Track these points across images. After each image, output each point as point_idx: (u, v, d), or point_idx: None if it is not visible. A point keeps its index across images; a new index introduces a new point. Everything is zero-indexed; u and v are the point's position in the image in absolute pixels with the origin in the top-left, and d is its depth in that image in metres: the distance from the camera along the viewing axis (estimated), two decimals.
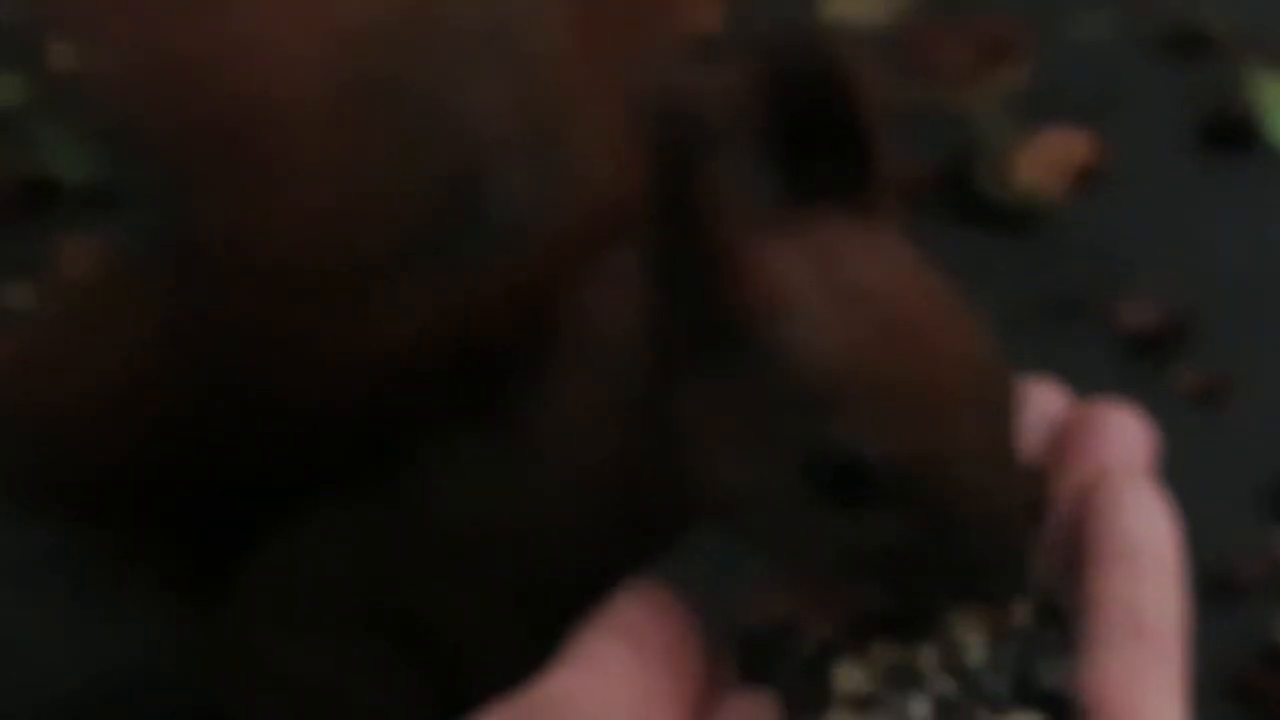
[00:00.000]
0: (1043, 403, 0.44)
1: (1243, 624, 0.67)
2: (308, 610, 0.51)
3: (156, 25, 0.47)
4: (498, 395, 0.45)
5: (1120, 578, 0.39)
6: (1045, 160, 0.88)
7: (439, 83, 0.44)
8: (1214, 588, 0.68)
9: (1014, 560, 0.38)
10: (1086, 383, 0.75)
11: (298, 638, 0.51)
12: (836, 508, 0.38)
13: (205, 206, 0.47)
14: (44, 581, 0.64)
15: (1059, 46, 0.97)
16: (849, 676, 0.38)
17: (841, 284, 0.38)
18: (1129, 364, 0.78)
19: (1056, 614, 0.39)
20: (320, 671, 0.50)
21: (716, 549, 0.42)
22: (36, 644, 0.66)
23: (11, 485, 0.57)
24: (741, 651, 0.40)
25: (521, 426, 0.45)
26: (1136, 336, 0.79)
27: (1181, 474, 0.72)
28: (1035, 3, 1.01)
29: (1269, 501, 0.71)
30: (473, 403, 0.46)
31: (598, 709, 0.38)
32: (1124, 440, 0.43)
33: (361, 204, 0.45)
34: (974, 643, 0.38)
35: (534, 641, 0.41)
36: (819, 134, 0.40)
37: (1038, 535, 0.39)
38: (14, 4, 0.90)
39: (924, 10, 1.01)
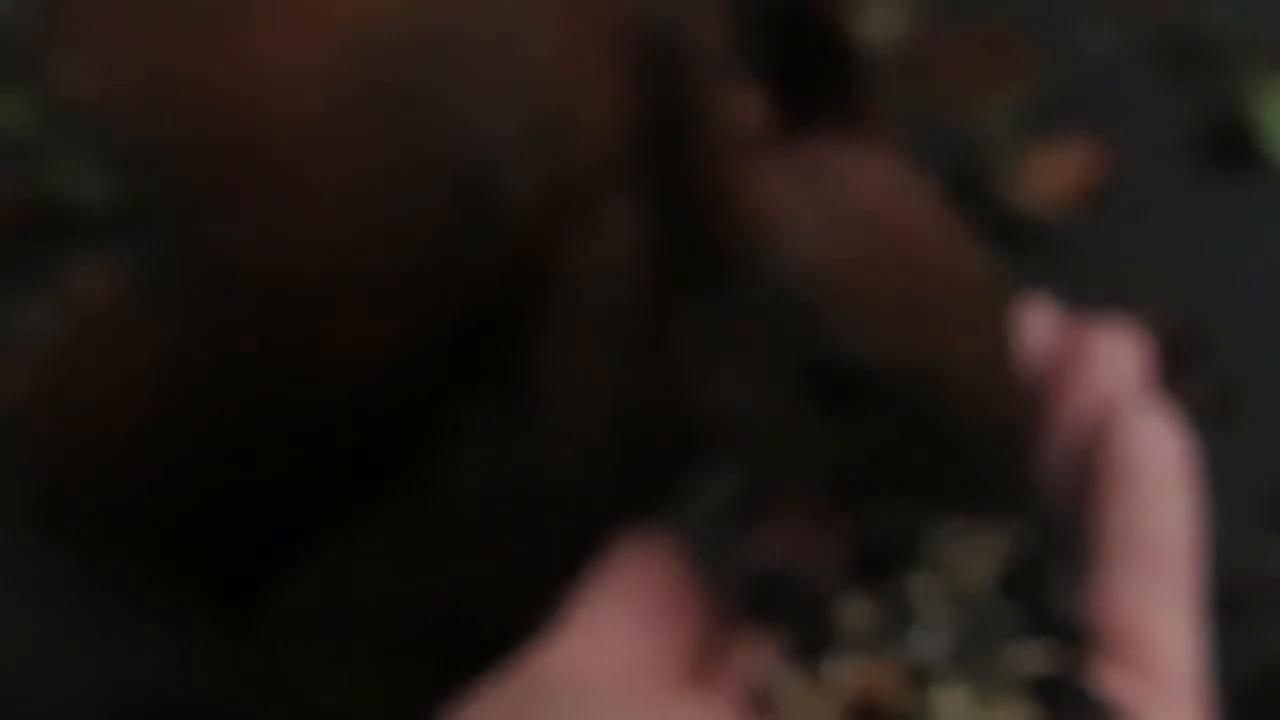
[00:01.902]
0: (1036, 326, 0.44)
1: (1252, 635, 0.67)
2: (345, 639, 0.51)
3: (164, 45, 0.47)
4: (505, 359, 0.45)
5: (1130, 501, 0.39)
6: (1051, 173, 0.88)
7: (444, 92, 0.45)
8: (1223, 599, 0.68)
9: (1011, 469, 0.38)
10: None
11: (337, 668, 0.51)
12: (834, 417, 0.38)
13: (217, 223, 0.47)
14: (65, 602, 0.65)
15: (1064, 58, 0.98)
16: (858, 613, 0.38)
17: (834, 202, 0.39)
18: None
19: (1064, 539, 0.39)
20: (358, 701, 0.50)
21: (720, 490, 0.42)
22: (57, 666, 0.67)
23: (33, 510, 0.57)
24: (747, 593, 0.40)
25: (528, 382, 0.45)
26: (1148, 348, 0.79)
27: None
28: (1040, 13, 1.01)
29: (1278, 514, 0.72)
30: (482, 373, 0.46)
31: (598, 673, 0.38)
32: (1122, 358, 0.43)
33: (372, 213, 0.45)
34: (982, 572, 0.38)
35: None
36: (808, 60, 0.41)
37: (1036, 450, 0.39)
38: (25, 25, 0.90)
39: (930, 22, 1.02)
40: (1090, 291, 0.82)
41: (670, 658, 0.39)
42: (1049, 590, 0.38)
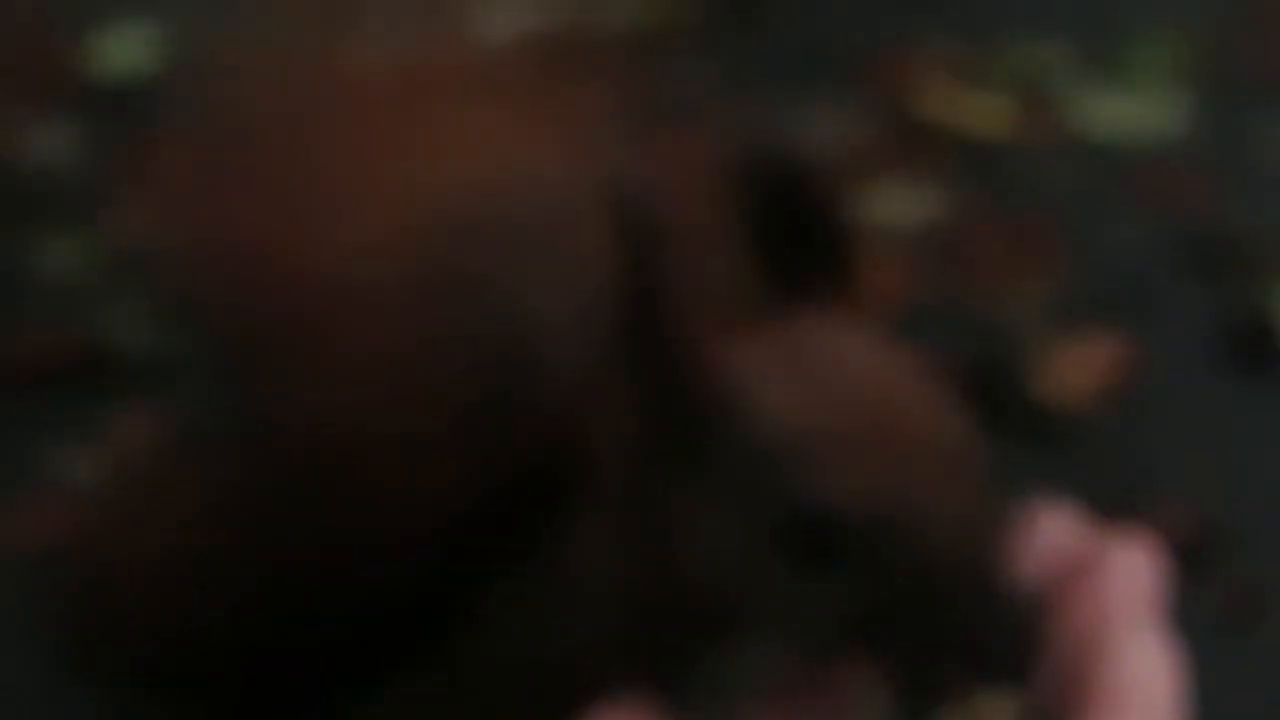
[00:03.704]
0: (1052, 529, 0.44)
1: None
2: None
3: (231, 206, 0.49)
4: (539, 527, 0.46)
5: None
6: (1077, 366, 0.90)
7: (496, 272, 0.47)
8: None
9: (991, 622, 0.39)
10: None
11: None
12: (812, 570, 0.39)
13: (265, 382, 0.49)
14: None
15: (1094, 253, 1.00)
16: None
17: (810, 369, 0.40)
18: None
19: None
20: None
21: (723, 668, 0.42)
22: None
23: (67, 652, 0.58)
24: None
25: (556, 551, 0.46)
26: (1171, 550, 0.80)
27: (1210, 687, 0.73)
28: (1073, 208, 1.03)
29: None
30: (518, 540, 0.47)
31: None
32: (1135, 577, 0.42)
33: (419, 383, 0.47)
34: None
35: None
36: (795, 237, 0.42)
37: (1032, 618, 0.40)
38: (84, 171, 0.92)
39: (964, 209, 1.04)
40: (1111, 486, 0.83)
41: None
42: None
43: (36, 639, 0.58)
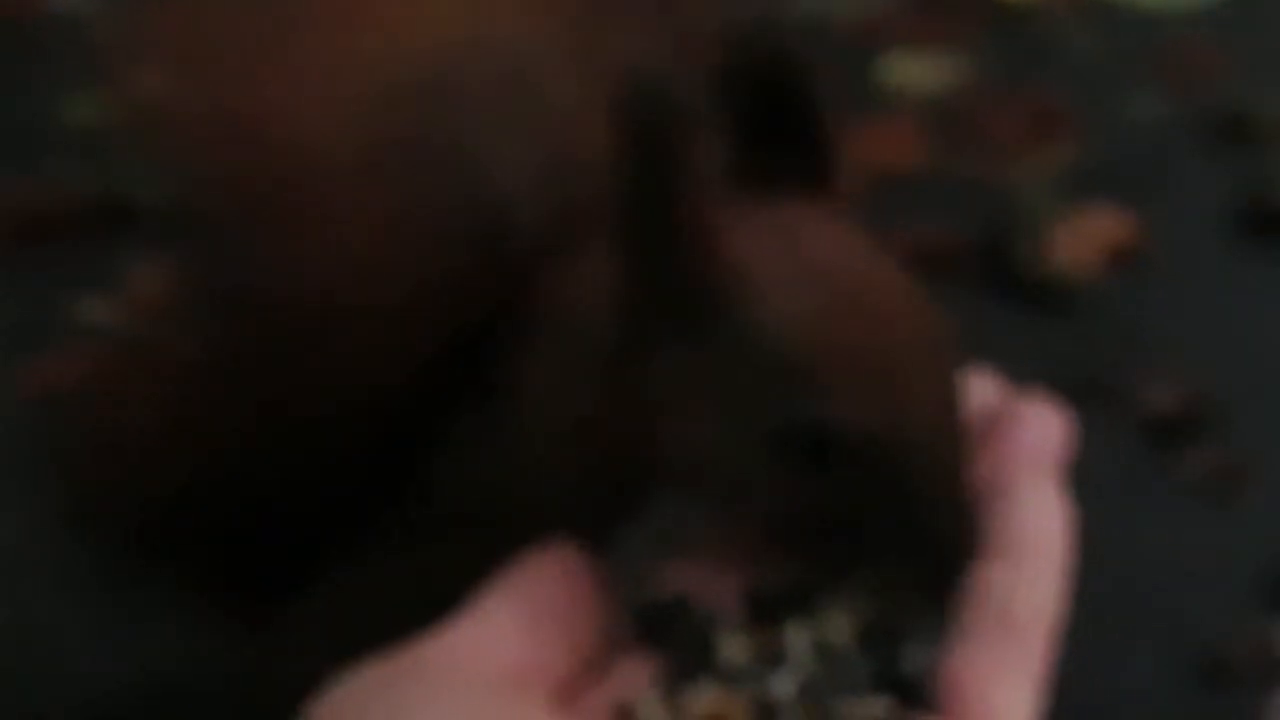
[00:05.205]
0: (978, 390, 0.46)
1: (1235, 710, 0.69)
2: (351, 641, 0.53)
3: (222, 75, 0.51)
4: (493, 376, 0.48)
5: (1000, 570, 0.41)
6: (1083, 239, 0.90)
7: (461, 135, 0.48)
8: (1208, 672, 0.70)
9: (963, 527, 0.41)
10: (1101, 464, 0.78)
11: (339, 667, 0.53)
12: (803, 473, 0.41)
13: (249, 244, 0.50)
14: (98, 590, 0.67)
15: (1109, 125, 0.99)
16: (729, 648, 0.41)
17: (805, 264, 0.41)
18: (1146, 446, 0.80)
19: (943, 599, 0.41)
20: None
21: (662, 519, 0.44)
22: (79, 646, 0.70)
23: (69, 501, 0.60)
24: (638, 617, 0.42)
25: (508, 398, 0.47)
26: (1156, 420, 0.81)
27: (1187, 557, 0.74)
28: (1089, 83, 1.03)
29: (1270, 590, 0.73)
30: (473, 388, 0.49)
31: (471, 665, 0.40)
32: (1041, 434, 0.44)
33: (390, 244, 0.48)
34: (845, 626, 0.41)
35: None
36: (779, 124, 0.43)
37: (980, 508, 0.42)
38: (103, 28, 0.93)
39: (982, 82, 1.03)
40: (1108, 357, 0.84)
41: (549, 666, 0.41)
42: (904, 650, 0.40)
43: (42, 495, 0.60)
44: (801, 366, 0.40)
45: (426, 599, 0.51)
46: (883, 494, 0.40)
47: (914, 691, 0.40)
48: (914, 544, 0.41)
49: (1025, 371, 0.76)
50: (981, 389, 0.46)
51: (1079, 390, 0.82)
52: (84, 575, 0.61)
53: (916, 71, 1.04)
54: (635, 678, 0.41)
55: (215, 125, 0.51)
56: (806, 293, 0.41)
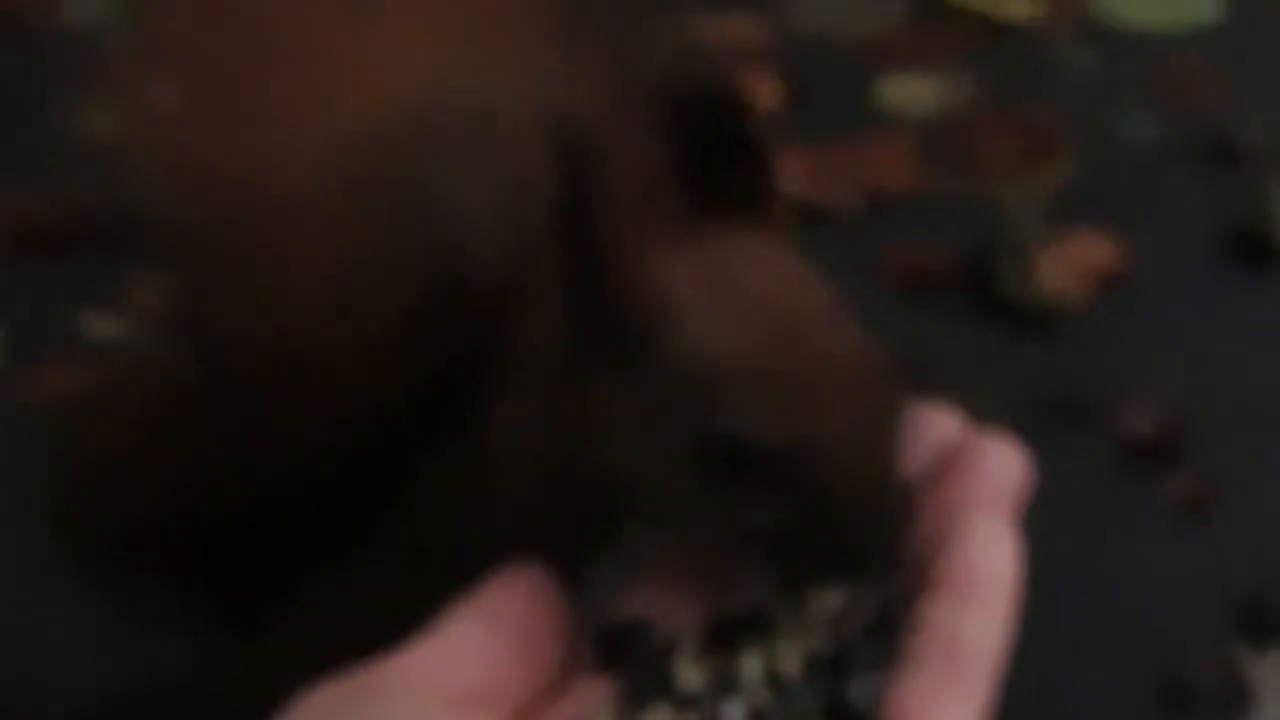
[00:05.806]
0: (938, 426, 0.47)
1: None
2: (331, 656, 0.55)
3: (187, 130, 0.53)
4: (463, 416, 0.50)
5: (948, 604, 0.42)
6: (1068, 264, 0.91)
7: (428, 180, 0.49)
8: (1175, 696, 0.71)
9: (877, 540, 0.42)
10: (1077, 486, 0.79)
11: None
12: (723, 486, 0.42)
13: (219, 282, 0.52)
14: (85, 591, 0.69)
15: (1100, 146, 1.00)
16: (683, 675, 0.42)
17: (729, 289, 0.43)
18: (1124, 469, 0.81)
19: (892, 630, 0.42)
20: None
21: (618, 550, 0.45)
22: (76, 648, 0.72)
23: (60, 508, 0.62)
24: (597, 640, 0.43)
25: (476, 431, 0.49)
26: (1132, 444, 0.82)
27: (1160, 581, 0.75)
28: (1082, 103, 1.03)
29: (1239, 617, 0.74)
30: (444, 428, 0.50)
31: (430, 682, 0.41)
32: (999, 471, 0.45)
33: (356, 287, 0.50)
34: (797, 654, 0.42)
35: None
36: (713, 153, 0.45)
37: (905, 527, 0.43)
38: (119, 43, 0.94)
39: (976, 102, 1.04)
40: (1088, 377, 0.85)
41: (509, 686, 0.42)
42: (851, 680, 0.42)
43: (38, 501, 0.61)
44: (720, 386, 0.42)
45: (400, 621, 0.53)
46: (801, 507, 0.42)
47: None
48: (831, 554, 0.42)
49: (1005, 391, 0.78)
50: (941, 423, 0.47)
51: (1058, 412, 0.83)
52: (78, 580, 0.62)
53: (913, 91, 1.05)
54: (592, 700, 0.42)
55: (182, 173, 0.52)
56: (731, 319, 0.42)
